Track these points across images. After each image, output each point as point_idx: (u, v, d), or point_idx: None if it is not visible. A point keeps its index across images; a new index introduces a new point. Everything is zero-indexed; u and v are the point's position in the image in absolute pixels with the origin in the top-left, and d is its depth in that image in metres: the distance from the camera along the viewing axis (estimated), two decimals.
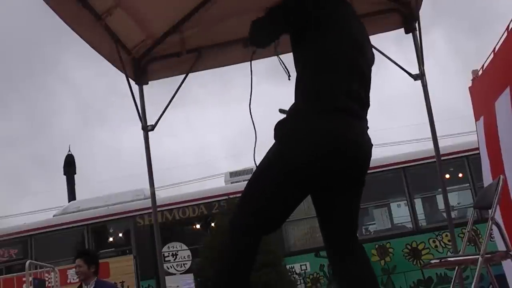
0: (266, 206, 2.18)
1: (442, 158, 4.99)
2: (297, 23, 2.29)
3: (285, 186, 2.15)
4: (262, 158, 2.27)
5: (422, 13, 4.40)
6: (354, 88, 2.26)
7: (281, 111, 2.36)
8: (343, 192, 2.24)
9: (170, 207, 10.71)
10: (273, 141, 2.28)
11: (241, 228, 2.19)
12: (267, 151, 2.26)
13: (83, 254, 5.45)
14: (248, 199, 2.24)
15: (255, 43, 2.53)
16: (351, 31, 2.34)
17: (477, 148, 5.33)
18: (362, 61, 2.35)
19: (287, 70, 2.60)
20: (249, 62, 2.82)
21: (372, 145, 2.30)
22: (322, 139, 2.12)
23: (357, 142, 2.21)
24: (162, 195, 11.10)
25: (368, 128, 2.32)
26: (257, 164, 2.29)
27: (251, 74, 2.72)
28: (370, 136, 2.32)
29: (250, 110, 2.65)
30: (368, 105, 2.35)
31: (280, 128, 2.24)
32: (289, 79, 2.57)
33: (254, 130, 2.67)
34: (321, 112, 2.17)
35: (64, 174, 18.93)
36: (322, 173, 2.14)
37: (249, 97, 2.62)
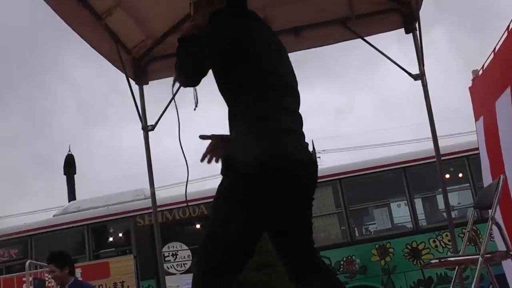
0: (228, 242, 2.08)
1: (442, 158, 4.99)
2: (225, 51, 2.18)
3: (240, 216, 2.06)
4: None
5: (424, 12, 4.41)
6: (291, 106, 2.23)
7: (202, 137, 2.28)
8: (296, 210, 2.19)
9: (170, 207, 10.68)
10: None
11: (210, 271, 2.11)
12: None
13: (52, 259, 5.13)
14: (210, 238, 2.14)
15: (191, 82, 2.35)
16: (276, 47, 2.31)
17: (477, 148, 5.33)
18: (291, 76, 2.31)
19: (197, 99, 2.51)
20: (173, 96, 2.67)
21: (316, 160, 2.26)
22: (270, 161, 2.04)
23: (304, 160, 2.16)
24: (162, 195, 11.08)
25: (307, 144, 2.27)
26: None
27: (177, 110, 2.57)
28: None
29: (180, 143, 2.50)
30: (302, 120, 2.28)
31: (226, 157, 2.14)
32: (194, 109, 2.49)
33: (186, 166, 2.55)
34: (265, 135, 2.09)
35: (64, 174, 18.96)
36: (274, 196, 2.06)
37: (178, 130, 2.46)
